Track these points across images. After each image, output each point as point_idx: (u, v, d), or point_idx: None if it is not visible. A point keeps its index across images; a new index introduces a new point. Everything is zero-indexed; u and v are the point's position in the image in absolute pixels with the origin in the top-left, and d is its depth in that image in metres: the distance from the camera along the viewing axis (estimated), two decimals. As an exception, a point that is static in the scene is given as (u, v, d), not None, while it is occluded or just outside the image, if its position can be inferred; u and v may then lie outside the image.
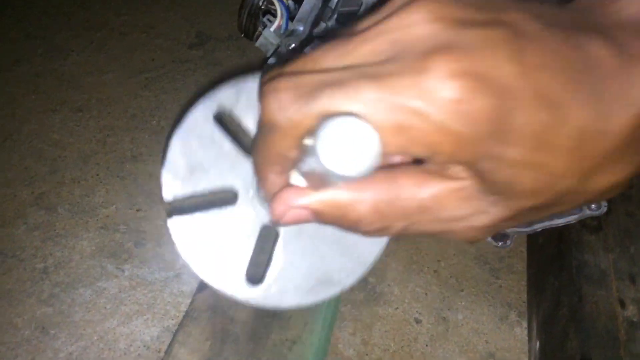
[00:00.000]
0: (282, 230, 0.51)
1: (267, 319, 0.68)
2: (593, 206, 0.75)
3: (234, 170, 0.49)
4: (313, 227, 0.50)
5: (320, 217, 0.35)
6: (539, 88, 0.28)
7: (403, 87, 0.28)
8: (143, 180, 1.06)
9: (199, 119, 0.49)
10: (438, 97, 0.28)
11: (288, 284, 0.51)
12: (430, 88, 0.28)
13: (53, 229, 0.96)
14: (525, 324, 0.90)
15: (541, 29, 0.29)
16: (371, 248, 0.52)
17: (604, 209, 0.74)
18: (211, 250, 0.50)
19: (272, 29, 0.88)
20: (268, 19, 0.88)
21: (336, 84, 0.30)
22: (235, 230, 0.50)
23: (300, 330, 0.67)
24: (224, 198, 0.50)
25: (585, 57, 0.29)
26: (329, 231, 0.50)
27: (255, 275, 0.52)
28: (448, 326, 0.89)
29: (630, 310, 0.71)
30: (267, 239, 0.51)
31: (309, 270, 0.52)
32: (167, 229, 0.51)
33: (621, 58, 0.30)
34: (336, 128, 0.29)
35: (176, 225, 0.51)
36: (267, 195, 0.37)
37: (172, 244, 0.50)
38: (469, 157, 0.30)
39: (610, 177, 0.32)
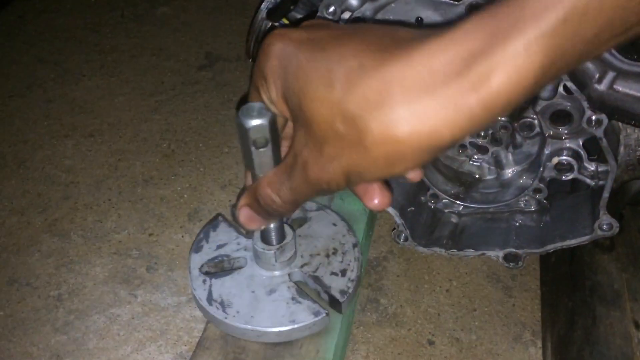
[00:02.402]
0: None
1: (278, 348, 0.68)
2: (605, 226, 0.74)
3: (243, 249, 0.78)
4: None
5: (255, 209, 0.59)
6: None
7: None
8: (154, 204, 1.07)
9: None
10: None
11: None
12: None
13: (67, 256, 0.97)
14: (539, 344, 0.89)
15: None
16: None
17: (616, 229, 0.73)
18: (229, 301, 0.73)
19: None
20: None
21: None
22: (247, 285, 0.73)
23: (312, 358, 0.67)
24: (238, 263, 0.77)
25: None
26: None
27: None
28: (462, 347, 0.89)
29: (645, 332, 0.70)
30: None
31: None
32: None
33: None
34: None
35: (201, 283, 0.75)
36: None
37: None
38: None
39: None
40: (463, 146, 0.84)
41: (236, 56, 1.43)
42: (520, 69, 0.36)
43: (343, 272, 0.74)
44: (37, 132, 1.22)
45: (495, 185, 0.87)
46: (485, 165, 0.87)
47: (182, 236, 1.01)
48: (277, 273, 0.73)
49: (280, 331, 0.68)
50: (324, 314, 0.69)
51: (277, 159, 0.59)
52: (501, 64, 0.37)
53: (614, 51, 0.66)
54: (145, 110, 1.28)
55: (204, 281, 0.73)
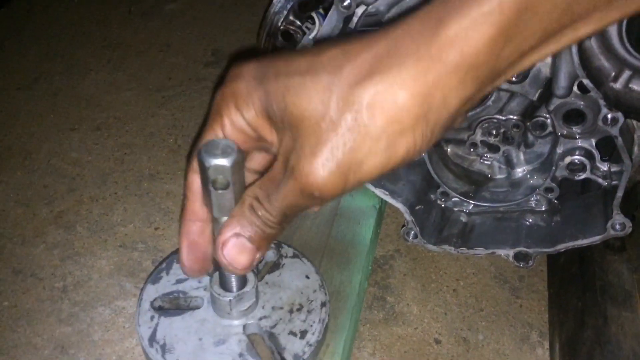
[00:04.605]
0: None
1: (288, 341, 0.68)
2: (617, 226, 0.74)
3: (203, 288, 0.72)
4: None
5: (247, 235, 0.52)
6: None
7: None
8: (160, 199, 1.06)
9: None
10: None
11: None
12: None
13: (72, 248, 0.96)
14: (546, 345, 0.88)
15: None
16: None
17: (629, 229, 0.73)
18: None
19: (311, 37, 0.89)
20: (307, 27, 0.89)
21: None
22: (196, 331, 0.68)
23: (322, 352, 0.67)
24: (195, 302, 0.71)
25: None
26: None
27: None
28: (468, 347, 0.88)
29: (657, 333, 0.70)
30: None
31: None
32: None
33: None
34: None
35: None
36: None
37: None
38: None
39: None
40: (474, 145, 0.84)
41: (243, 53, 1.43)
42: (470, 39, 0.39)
43: (303, 334, 0.67)
44: (44, 125, 1.22)
45: (505, 185, 0.87)
46: (496, 164, 0.87)
47: (188, 231, 1.00)
48: (231, 322, 0.67)
49: None
50: None
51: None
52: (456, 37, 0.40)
53: (630, 49, 0.66)
54: (152, 105, 1.28)
55: (152, 317, 0.68)
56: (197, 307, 0.69)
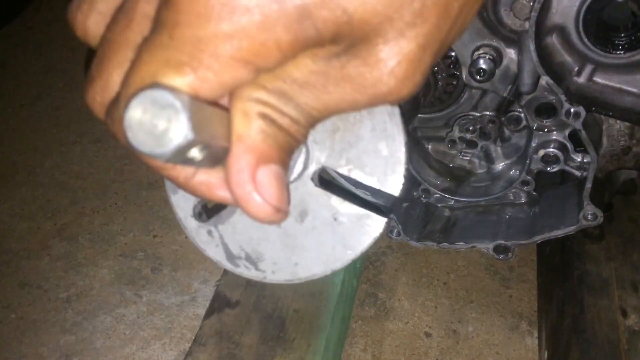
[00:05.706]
0: None
1: (271, 343, 0.71)
2: (589, 216, 0.75)
3: None
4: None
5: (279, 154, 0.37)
6: None
7: None
8: (159, 207, 1.10)
9: None
10: None
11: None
12: None
13: (75, 259, 1.01)
14: (536, 334, 0.90)
15: None
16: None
17: (601, 219, 0.74)
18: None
19: None
20: None
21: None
22: None
23: (303, 352, 0.70)
24: None
25: None
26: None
27: None
28: (458, 339, 0.91)
29: (632, 319, 0.71)
30: None
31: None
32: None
33: None
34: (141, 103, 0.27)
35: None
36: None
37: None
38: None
39: None
40: (452, 141, 0.86)
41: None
42: None
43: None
44: (47, 140, 1.26)
45: (486, 179, 0.88)
46: (476, 160, 0.89)
47: (186, 237, 1.04)
48: (296, 183, 0.48)
49: (335, 269, 0.51)
50: (386, 220, 0.48)
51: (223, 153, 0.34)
52: None
53: (589, 44, 0.67)
54: (150, 115, 1.32)
55: (209, 233, 0.53)
56: None
